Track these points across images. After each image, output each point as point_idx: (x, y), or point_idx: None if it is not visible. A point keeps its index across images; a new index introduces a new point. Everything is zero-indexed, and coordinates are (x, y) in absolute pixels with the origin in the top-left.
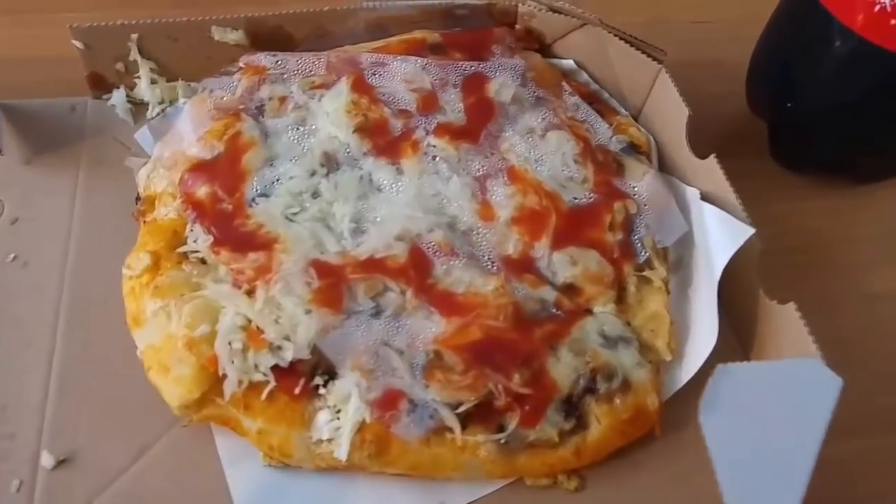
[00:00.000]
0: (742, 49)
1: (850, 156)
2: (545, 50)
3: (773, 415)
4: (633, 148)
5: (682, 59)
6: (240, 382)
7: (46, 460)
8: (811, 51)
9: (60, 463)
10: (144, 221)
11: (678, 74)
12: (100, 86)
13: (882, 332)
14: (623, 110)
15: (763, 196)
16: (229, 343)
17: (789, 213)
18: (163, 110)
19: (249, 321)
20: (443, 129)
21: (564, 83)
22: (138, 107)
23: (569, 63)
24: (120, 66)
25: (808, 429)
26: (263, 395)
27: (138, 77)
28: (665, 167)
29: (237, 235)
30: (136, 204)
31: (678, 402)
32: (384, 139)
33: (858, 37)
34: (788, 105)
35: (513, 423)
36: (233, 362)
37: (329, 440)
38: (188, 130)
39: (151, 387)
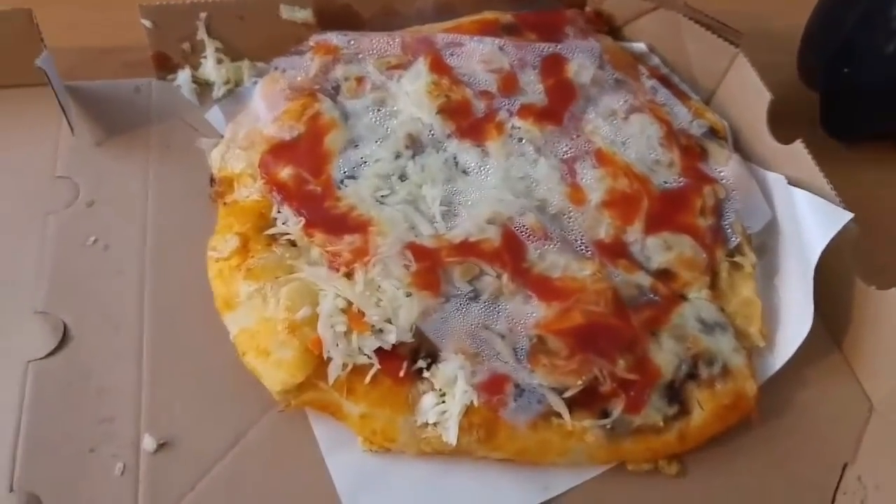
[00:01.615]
0: (793, 19)
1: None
2: (614, 33)
3: None
4: (713, 133)
5: None
6: (344, 366)
7: (148, 443)
8: (872, 17)
9: (161, 447)
10: (224, 203)
11: None
12: (164, 66)
13: None
14: (695, 95)
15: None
16: (332, 326)
17: (839, 183)
18: (229, 91)
19: (349, 304)
20: (526, 111)
21: (640, 66)
22: (202, 87)
23: (639, 46)
24: (186, 45)
25: None
26: (367, 379)
27: (204, 57)
28: (740, 153)
29: (329, 218)
30: (211, 185)
31: (769, 388)
32: (467, 121)
33: None
34: (845, 70)
35: (618, 408)
36: (337, 345)
37: (434, 424)
38: (262, 110)
39: (242, 371)
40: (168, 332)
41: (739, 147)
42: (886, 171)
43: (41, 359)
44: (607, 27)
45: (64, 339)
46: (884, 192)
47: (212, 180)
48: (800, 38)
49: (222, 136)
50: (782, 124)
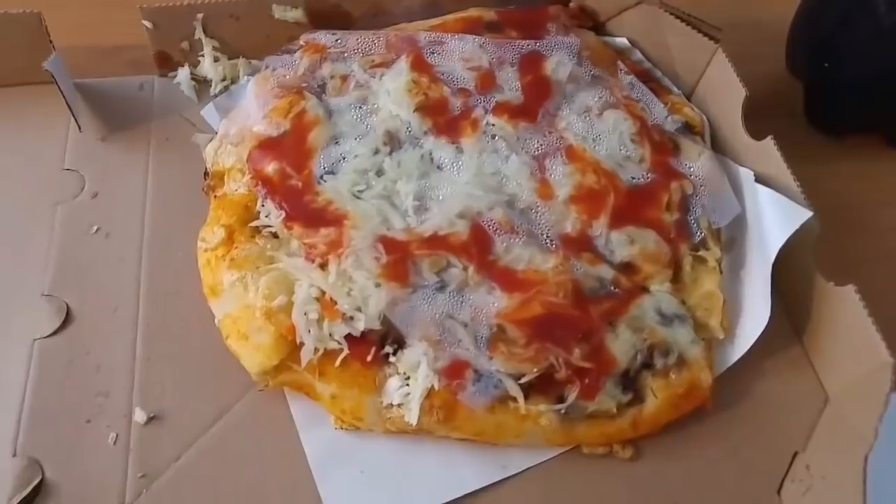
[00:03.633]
0: (784, 10)
1: (884, 120)
2: (598, 28)
3: None
4: (688, 128)
5: (723, 20)
6: (315, 350)
7: (139, 416)
8: (853, 14)
9: (151, 420)
10: (215, 196)
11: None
12: (166, 64)
13: None
14: (676, 89)
15: (795, 156)
16: (305, 313)
17: (821, 174)
18: (225, 87)
19: (323, 293)
20: (501, 108)
21: (619, 62)
22: (201, 84)
23: (622, 41)
24: (185, 44)
25: None
26: (337, 363)
27: (202, 55)
28: (718, 147)
29: (308, 211)
30: (205, 179)
31: (729, 378)
32: (444, 118)
33: None
34: (826, 65)
35: (573, 394)
36: (309, 331)
37: (399, 405)
38: (253, 107)
39: (227, 352)
40: (162, 315)
41: (717, 141)
42: (867, 163)
43: (46, 337)
44: (591, 22)
45: (66, 320)
46: (863, 184)
47: (205, 174)
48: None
49: (217, 132)
50: (770, 114)
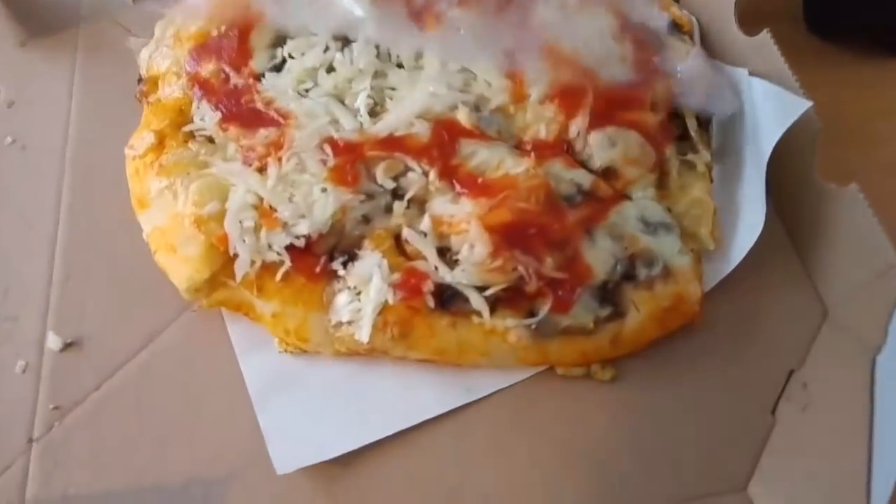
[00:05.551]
0: None
1: (882, 24)
2: None
3: None
4: (676, 27)
5: None
6: (252, 262)
7: (53, 342)
8: None
9: (67, 346)
10: (148, 102)
11: None
12: None
13: None
14: None
15: (793, 63)
16: (240, 221)
17: (819, 82)
18: None
19: (261, 199)
20: (469, 1)
21: None
22: None
23: None
24: None
25: None
26: (278, 276)
27: None
28: (709, 51)
29: (247, 111)
30: (139, 85)
31: (719, 293)
32: (405, 11)
33: None
34: None
35: (544, 308)
36: (244, 241)
37: (349, 323)
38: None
39: (159, 272)
40: (83, 232)
41: (708, 44)
42: (867, 70)
43: None
44: None
45: None
46: (862, 92)
47: (139, 80)
48: None
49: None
50: (768, 18)
